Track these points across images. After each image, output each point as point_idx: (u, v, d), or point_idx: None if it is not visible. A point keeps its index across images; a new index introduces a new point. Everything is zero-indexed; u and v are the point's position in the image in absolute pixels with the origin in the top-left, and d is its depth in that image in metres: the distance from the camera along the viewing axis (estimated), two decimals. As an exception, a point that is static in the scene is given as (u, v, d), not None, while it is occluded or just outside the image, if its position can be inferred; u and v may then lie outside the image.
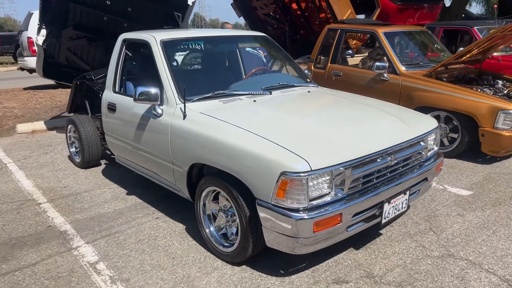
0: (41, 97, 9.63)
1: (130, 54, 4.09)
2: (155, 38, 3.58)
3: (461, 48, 6.57)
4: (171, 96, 3.27)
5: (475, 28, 7.38)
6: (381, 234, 3.25)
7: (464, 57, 5.43)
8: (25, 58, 10.62)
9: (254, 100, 3.34)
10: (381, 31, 5.76)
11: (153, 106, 3.32)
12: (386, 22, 7.07)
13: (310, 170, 2.35)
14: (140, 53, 4.19)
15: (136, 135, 3.61)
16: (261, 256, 2.91)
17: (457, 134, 4.89)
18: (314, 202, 2.43)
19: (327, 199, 2.48)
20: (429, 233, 3.26)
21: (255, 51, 4.72)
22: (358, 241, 3.11)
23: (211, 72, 4.07)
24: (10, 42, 20.56)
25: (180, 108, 3.15)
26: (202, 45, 3.93)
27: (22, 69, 11.09)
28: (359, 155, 2.57)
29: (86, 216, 3.72)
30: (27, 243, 3.28)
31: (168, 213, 3.73)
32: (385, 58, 5.66)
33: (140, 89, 3.18)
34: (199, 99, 3.26)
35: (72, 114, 5.94)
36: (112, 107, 3.93)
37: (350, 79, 5.90)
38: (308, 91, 3.75)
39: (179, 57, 3.92)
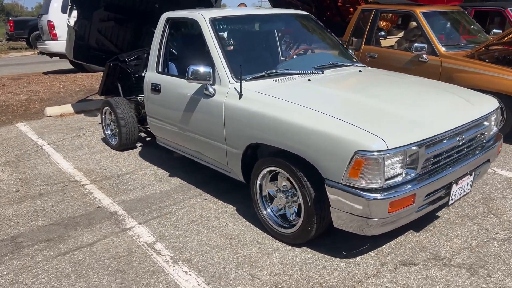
0: (63, 81, 9.60)
1: (174, 34, 4.00)
2: (203, 16, 3.48)
3: (495, 30, 6.42)
4: (224, 75, 3.19)
5: (508, 9, 7.16)
6: (438, 216, 3.18)
7: (506, 38, 5.26)
8: (46, 42, 10.53)
9: (309, 79, 3.25)
10: (419, 11, 5.59)
11: (204, 86, 3.25)
12: (419, 3, 6.86)
13: (386, 148, 2.28)
14: (183, 32, 4.10)
15: (184, 116, 3.54)
16: (319, 239, 2.85)
17: (502, 117, 4.76)
18: (389, 182, 2.36)
19: (400, 179, 2.40)
20: (488, 215, 3.18)
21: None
22: (417, 223, 3.04)
23: (258, 51, 3.98)
24: (23, 27, 20.30)
25: (235, 87, 3.07)
26: (249, 24, 3.83)
27: (42, 53, 11.00)
28: (432, 133, 2.48)
29: (132, 197, 3.69)
30: (79, 223, 3.26)
31: (215, 194, 3.68)
32: (423, 39, 5.50)
33: (192, 68, 3.10)
34: (252, 79, 3.18)
35: (103, 96, 5.91)
36: (156, 88, 3.85)
37: (386, 61, 5.74)
38: (359, 71, 3.65)
39: (225, 35, 3.82)
